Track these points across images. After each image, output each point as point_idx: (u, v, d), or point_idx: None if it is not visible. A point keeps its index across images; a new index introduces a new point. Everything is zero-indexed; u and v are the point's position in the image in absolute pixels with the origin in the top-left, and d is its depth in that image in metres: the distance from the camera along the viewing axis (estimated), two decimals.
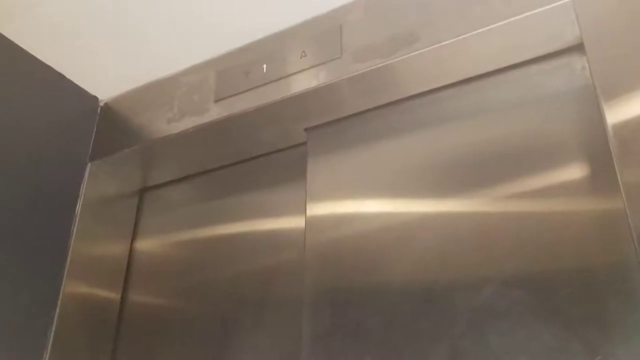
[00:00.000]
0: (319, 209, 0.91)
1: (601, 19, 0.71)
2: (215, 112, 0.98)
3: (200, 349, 0.97)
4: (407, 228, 0.83)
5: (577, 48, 0.78)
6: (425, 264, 0.79)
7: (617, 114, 0.66)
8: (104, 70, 1.09)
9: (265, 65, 0.96)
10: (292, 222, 0.98)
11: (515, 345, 0.68)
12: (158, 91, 1.08)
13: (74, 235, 1.03)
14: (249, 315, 0.95)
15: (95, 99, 1.15)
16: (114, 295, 1.10)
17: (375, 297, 0.80)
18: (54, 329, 0.95)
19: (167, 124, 1.03)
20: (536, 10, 0.75)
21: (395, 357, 0.75)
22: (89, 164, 1.09)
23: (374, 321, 0.79)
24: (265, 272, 0.97)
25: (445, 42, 0.80)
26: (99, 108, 1.15)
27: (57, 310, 0.96)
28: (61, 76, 1.08)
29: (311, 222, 0.91)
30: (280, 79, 0.93)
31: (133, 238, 1.16)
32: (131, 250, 1.15)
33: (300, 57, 0.92)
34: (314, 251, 0.88)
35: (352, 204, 0.90)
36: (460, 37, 0.79)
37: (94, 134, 1.12)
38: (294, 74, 0.92)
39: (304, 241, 0.90)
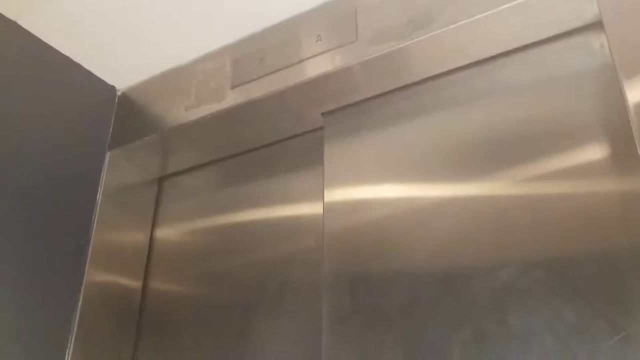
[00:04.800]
0: (337, 194, 0.91)
1: None
2: (232, 99, 0.98)
3: (221, 335, 0.98)
4: (426, 212, 0.83)
5: (596, 26, 0.77)
6: (444, 248, 0.79)
7: (638, 92, 0.65)
8: (121, 59, 1.09)
9: (280, 51, 0.95)
10: (310, 208, 0.98)
11: (537, 325, 0.68)
12: (175, 79, 1.09)
13: (95, 223, 1.04)
14: (269, 301, 0.96)
15: (112, 88, 1.16)
16: (136, 283, 1.11)
17: (394, 281, 0.80)
18: (77, 316, 0.97)
19: (185, 111, 1.03)
20: None
21: (416, 339, 0.75)
22: (108, 153, 1.10)
23: (393, 305, 0.79)
24: (284, 258, 0.98)
25: (462, 22, 0.79)
26: (117, 97, 1.16)
27: (81, 297, 0.98)
28: (79, 66, 1.09)
29: (329, 208, 0.91)
30: (295, 63, 0.93)
31: (153, 226, 1.17)
32: (151, 238, 1.16)
33: (316, 42, 0.92)
34: (332, 236, 0.89)
35: (369, 189, 0.89)
36: (477, 17, 0.78)
37: (112, 123, 1.13)
38: (310, 58, 0.91)
39: (322, 227, 0.90)
